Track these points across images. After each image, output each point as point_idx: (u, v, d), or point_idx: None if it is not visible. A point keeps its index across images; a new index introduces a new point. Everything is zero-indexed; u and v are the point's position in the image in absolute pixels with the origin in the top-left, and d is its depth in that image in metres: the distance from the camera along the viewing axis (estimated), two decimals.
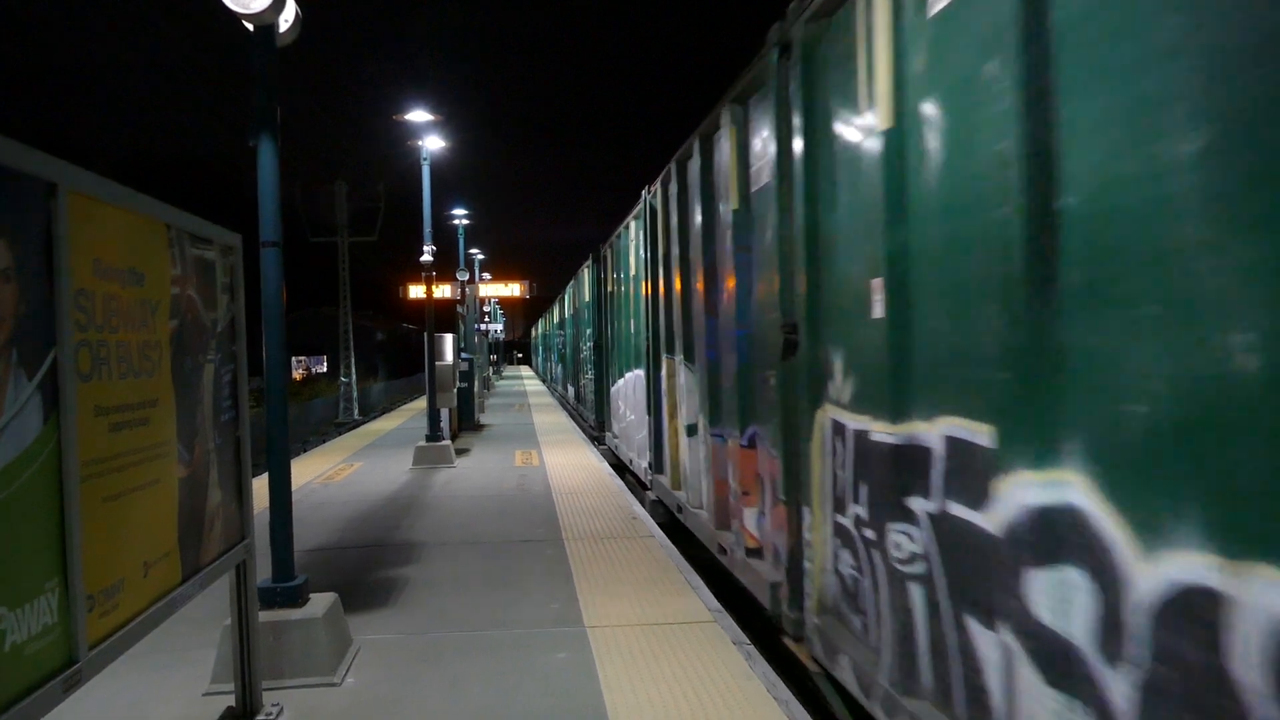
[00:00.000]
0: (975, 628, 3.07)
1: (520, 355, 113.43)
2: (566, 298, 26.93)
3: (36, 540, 2.55)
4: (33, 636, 2.50)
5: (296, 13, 5.39)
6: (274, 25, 5.22)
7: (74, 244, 2.77)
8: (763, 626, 5.87)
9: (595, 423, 17.92)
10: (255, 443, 4.57)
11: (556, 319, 35.48)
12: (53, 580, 2.62)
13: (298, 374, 65.42)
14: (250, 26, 5.16)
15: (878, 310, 3.74)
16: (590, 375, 18.62)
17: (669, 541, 8.34)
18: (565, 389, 31.20)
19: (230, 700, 4.45)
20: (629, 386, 12.57)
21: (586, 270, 19.13)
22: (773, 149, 5.16)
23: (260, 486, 5.40)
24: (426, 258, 16.59)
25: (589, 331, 18.67)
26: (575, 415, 23.77)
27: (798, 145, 4.69)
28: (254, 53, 5.20)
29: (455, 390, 16.49)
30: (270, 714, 4.40)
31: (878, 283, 3.72)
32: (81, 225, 2.84)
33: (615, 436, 14.68)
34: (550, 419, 22.87)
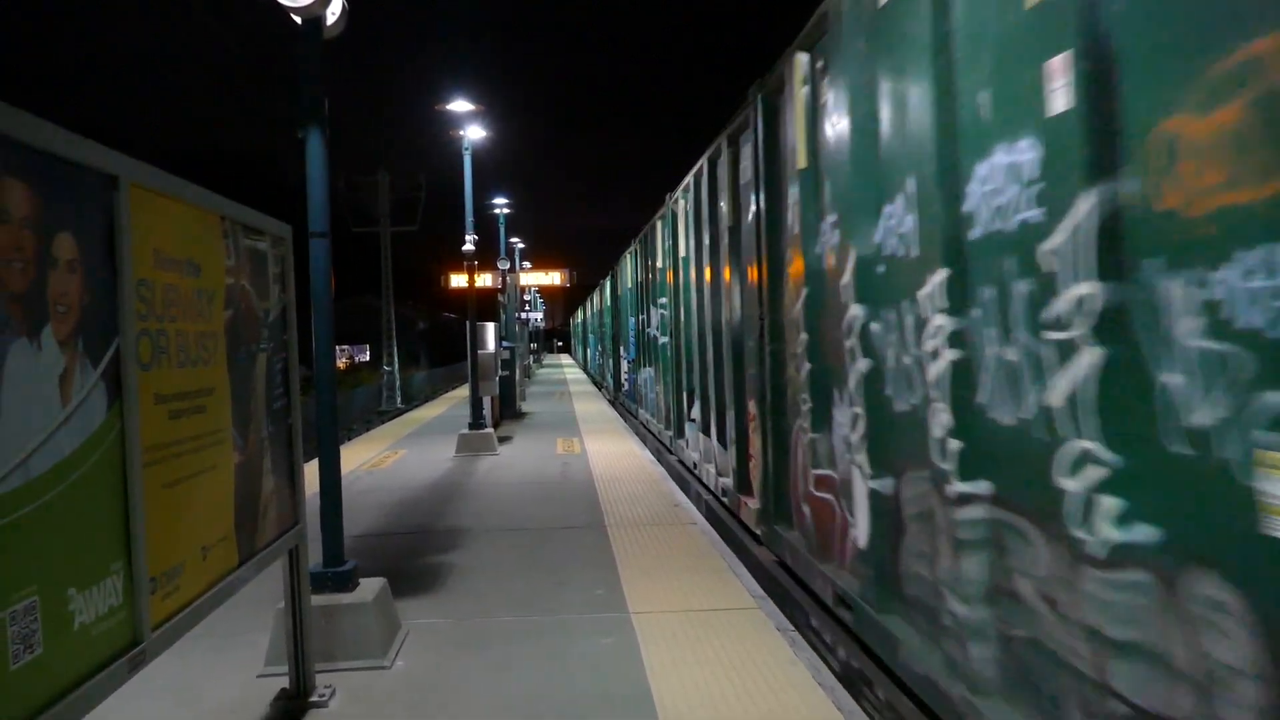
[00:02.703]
0: None
1: (560, 344, 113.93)
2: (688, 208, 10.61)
3: (102, 523, 2.63)
4: (100, 617, 2.57)
5: (343, 5, 5.45)
6: (321, 18, 5.28)
7: (135, 235, 2.84)
8: None
9: None
10: (305, 430, 4.65)
11: (631, 282, 18.43)
12: (118, 563, 2.69)
13: (341, 363, 66.23)
14: (298, 19, 5.23)
15: None
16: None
17: (711, 529, 8.35)
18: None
19: (284, 682, 4.54)
20: None
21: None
22: None
23: (310, 473, 5.50)
24: (468, 246, 16.69)
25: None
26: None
27: None
28: (302, 45, 5.27)
29: (497, 378, 16.60)
30: (323, 695, 4.49)
31: None
32: (142, 217, 2.90)
33: None
34: (591, 407, 22.95)
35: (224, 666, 5.02)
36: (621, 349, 22.35)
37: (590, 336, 41.31)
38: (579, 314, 56.97)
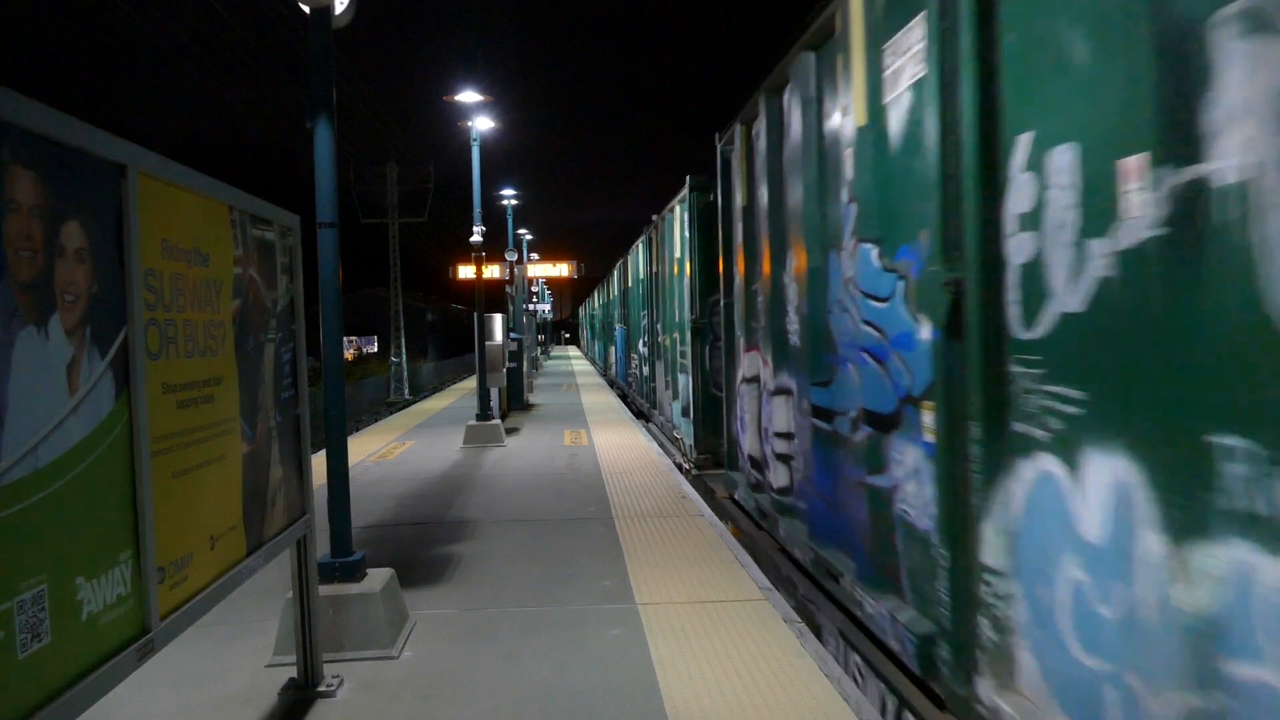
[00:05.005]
0: None
1: (568, 335, 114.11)
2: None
3: (111, 513, 2.63)
4: (108, 606, 2.57)
5: None
6: (330, 7, 5.27)
7: (143, 224, 2.83)
8: None
9: None
10: (313, 421, 4.65)
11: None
12: (126, 552, 2.69)
13: (349, 354, 66.37)
14: (307, 9, 5.22)
15: None
16: None
17: (718, 520, 8.35)
18: None
19: (292, 671, 4.55)
20: None
21: None
22: None
23: (318, 464, 5.51)
24: (476, 238, 16.69)
25: None
26: None
27: None
28: (310, 35, 5.26)
29: (505, 370, 16.60)
30: (331, 685, 4.50)
31: None
32: (150, 206, 2.90)
33: None
34: (598, 399, 22.95)
35: (233, 656, 5.03)
36: (763, 350, 7.47)
37: (616, 328, 28.30)
38: (586, 305, 56.81)
